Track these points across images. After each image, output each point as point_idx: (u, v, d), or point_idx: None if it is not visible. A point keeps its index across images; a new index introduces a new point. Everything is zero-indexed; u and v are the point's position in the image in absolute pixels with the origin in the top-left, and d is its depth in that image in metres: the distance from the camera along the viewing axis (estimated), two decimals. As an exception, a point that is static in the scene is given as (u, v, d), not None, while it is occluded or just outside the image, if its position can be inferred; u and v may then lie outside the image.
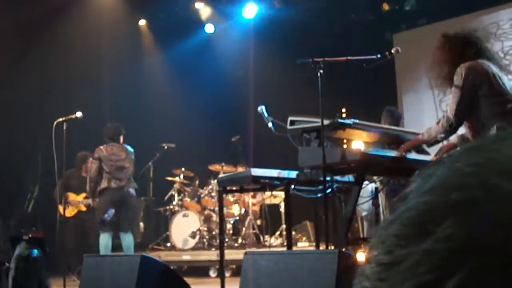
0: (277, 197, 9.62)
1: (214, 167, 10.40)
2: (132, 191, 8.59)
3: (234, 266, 8.98)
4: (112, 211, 8.27)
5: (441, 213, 0.41)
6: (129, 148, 8.67)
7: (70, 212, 9.93)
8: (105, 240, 8.32)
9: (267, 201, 9.95)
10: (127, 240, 8.42)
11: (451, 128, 4.37)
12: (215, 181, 9.67)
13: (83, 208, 9.51)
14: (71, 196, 9.80)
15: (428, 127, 4.60)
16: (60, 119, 7.28)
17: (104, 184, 8.41)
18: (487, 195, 0.41)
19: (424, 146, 5.01)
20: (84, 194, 9.52)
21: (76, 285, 5.47)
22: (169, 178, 10.95)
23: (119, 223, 8.42)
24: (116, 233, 8.54)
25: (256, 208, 10.41)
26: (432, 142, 4.58)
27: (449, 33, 4.57)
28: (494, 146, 0.45)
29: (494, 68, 4.31)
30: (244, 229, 10.17)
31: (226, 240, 9.49)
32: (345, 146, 5.99)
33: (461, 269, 0.39)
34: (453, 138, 4.74)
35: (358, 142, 5.88)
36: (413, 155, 4.89)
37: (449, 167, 0.45)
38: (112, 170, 8.40)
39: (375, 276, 0.43)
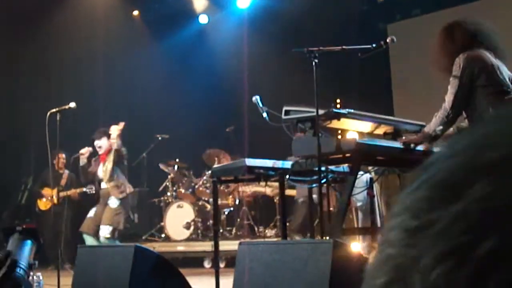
0: (272, 188, 9.60)
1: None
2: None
3: (228, 257, 8.97)
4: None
5: (475, 173, 0.39)
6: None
7: (46, 205, 10.14)
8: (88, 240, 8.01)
9: (261, 191, 9.93)
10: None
11: (448, 120, 4.34)
12: (210, 172, 9.66)
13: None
14: (46, 191, 10.10)
15: (428, 123, 4.58)
16: (54, 110, 7.24)
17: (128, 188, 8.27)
18: None
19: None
20: (58, 188, 9.61)
21: (69, 276, 5.45)
22: (164, 169, 10.91)
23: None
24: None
25: (251, 198, 10.41)
26: (433, 137, 4.54)
27: (451, 23, 4.52)
28: None
29: (494, 59, 4.27)
30: (238, 220, 10.17)
31: (221, 231, 9.49)
32: (340, 136, 5.98)
33: (497, 230, 0.36)
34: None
35: (353, 132, 5.87)
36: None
37: (476, 133, 0.43)
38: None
39: (401, 242, 0.40)
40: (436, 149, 4.87)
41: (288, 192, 8.70)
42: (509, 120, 0.42)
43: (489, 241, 0.36)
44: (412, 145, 4.78)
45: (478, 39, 4.35)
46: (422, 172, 0.43)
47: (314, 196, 6.06)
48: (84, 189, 8.71)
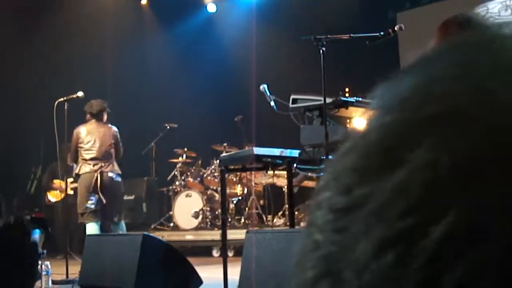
0: (280, 178, 9.58)
1: (217, 147, 10.38)
2: (111, 174, 7.77)
3: (237, 246, 8.98)
4: (95, 199, 7.53)
5: (416, 133, 0.29)
6: (114, 128, 7.97)
7: (57, 196, 10.17)
8: (92, 230, 7.52)
9: (270, 181, 9.92)
10: (120, 231, 7.74)
11: None
12: (218, 161, 9.65)
13: (70, 192, 9.45)
14: (56, 183, 10.11)
15: None
16: (62, 99, 7.25)
17: (77, 169, 7.82)
18: (479, 105, 0.29)
19: None
20: (71, 179, 9.51)
21: (78, 264, 5.47)
22: (172, 159, 10.94)
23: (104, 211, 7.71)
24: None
25: (259, 188, 10.40)
26: None
27: (444, 22, 4.48)
28: (484, 41, 0.33)
29: None
30: (247, 209, 10.17)
31: (229, 220, 9.49)
32: (348, 124, 5.95)
33: (450, 208, 0.27)
34: None
35: (361, 120, 5.83)
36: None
37: (421, 74, 0.32)
38: (84, 153, 7.72)
39: (329, 226, 0.30)
40: None
41: (308, 183, 8.75)
42: (467, 56, 0.32)
43: (439, 227, 0.27)
44: None
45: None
46: (352, 133, 0.33)
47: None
48: None
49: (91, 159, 7.67)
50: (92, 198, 7.57)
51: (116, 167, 7.85)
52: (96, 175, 7.61)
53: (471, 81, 0.30)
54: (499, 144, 0.28)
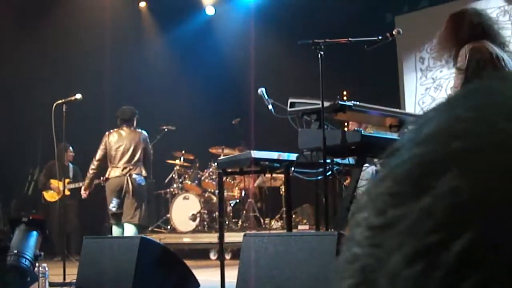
0: (278, 180, 9.60)
1: (215, 150, 10.39)
2: (136, 176, 7.98)
3: (234, 249, 8.99)
4: (116, 202, 7.83)
5: (441, 165, 0.36)
6: (144, 132, 8.23)
7: (53, 197, 10.21)
8: (116, 233, 7.95)
9: (268, 184, 9.94)
10: (126, 231, 7.92)
11: None
12: (216, 163, 9.66)
13: (67, 193, 9.47)
14: (54, 183, 10.19)
15: None
16: (60, 101, 7.25)
17: (107, 173, 8.02)
18: (495, 142, 0.35)
19: None
20: (68, 180, 9.55)
21: (76, 266, 5.47)
22: (170, 161, 10.94)
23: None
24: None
25: (257, 190, 10.41)
26: None
27: (460, 11, 4.49)
28: (497, 88, 0.39)
29: (499, 50, 4.24)
30: (244, 211, 10.18)
31: (227, 222, 9.50)
32: (345, 128, 5.97)
33: (468, 228, 0.33)
34: None
35: (359, 124, 5.85)
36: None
37: (446, 114, 0.39)
38: (114, 158, 7.95)
39: (367, 241, 0.37)
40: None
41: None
42: (484, 100, 0.38)
43: (460, 242, 0.33)
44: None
45: (485, 30, 4.32)
46: (387, 161, 0.39)
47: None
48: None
49: (121, 163, 7.91)
50: (113, 201, 7.85)
51: (143, 171, 8.07)
52: (124, 179, 7.87)
53: (488, 122, 0.36)
54: (509, 177, 0.34)
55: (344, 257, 0.38)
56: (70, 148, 10.12)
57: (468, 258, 0.33)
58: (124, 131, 8.03)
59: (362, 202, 0.39)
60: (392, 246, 0.35)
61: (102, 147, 8.00)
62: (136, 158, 7.98)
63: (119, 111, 8.16)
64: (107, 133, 8.04)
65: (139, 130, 8.18)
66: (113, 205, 7.84)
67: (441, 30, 4.55)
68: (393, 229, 0.35)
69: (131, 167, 7.93)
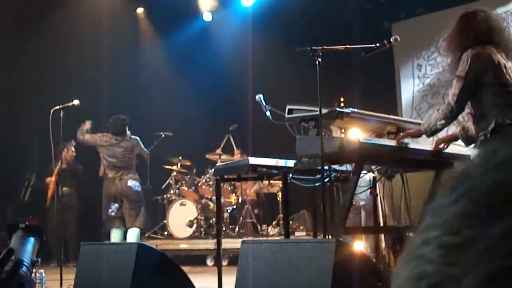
0: (275, 186, 9.60)
1: (212, 156, 10.38)
2: (131, 184, 8.29)
3: (231, 255, 8.98)
4: (114, 206, 8.02)
5: None
6: (135, 138, 8.57)
7: (51, 190, 10.14)
8: (115, 237, 8.09)
9: (265, 190, 9.93)
10: (130, 235, 8.09)
11: (451, 114, 4.25)
12: (213, 170, 9.66)
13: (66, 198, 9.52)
14: (50, 179, 10.16)
15: (429, 116, 4.56)
16: (57, 107, 7.25)
17: (100, 171, 8.32)
18: None
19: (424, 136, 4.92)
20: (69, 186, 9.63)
21: (73, 272, 5.46)
22: (167, 167, 10.94)
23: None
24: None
25: (254, 197, 10.40)
26: (432, 131, 4.47)
27: (471, 12, 4.40)
28: None
29: (502, 58, 4.18)
30: (241, 218, 10.17)
31: (223, 229, 9.49)
32: (343, 135, 5.97)
33: None
34: (452, 129, 4.67)
35: (356, 131, 5.85)
36: (413, 145, 4.87)
37: None
38: (106, 159, 8.32)
39: (441, 259, 0.37)
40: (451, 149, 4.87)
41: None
42: None
43: None
44: (407, 139, 4.78)
45: (492, 34, 4.25)
46: (458, 184, 0.40)
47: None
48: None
49: (113, 166, 8.25)
50: (111, 205, 8.08)
51: (135, 175, 8.41)
52: (115, 182, 8.18)
53: None
54: None
55: (409, 275, 0.39)
56: (72, 148, 10.00)
57: None
58: (117, 140, 8.38)
59: (429, 222, 0.40)
60: (469, 266, 0.35)
61: (99, 134, 8.41)
62: (127, 164, 8.32)
63: (111, 123, 8.46)
64: (104, 134, 8.39)
65: (131, 137, 8.51)
66: (111, 210, 8.07)
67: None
68: (470, 249, 0.36)
69: (122, 172, 8.24)
